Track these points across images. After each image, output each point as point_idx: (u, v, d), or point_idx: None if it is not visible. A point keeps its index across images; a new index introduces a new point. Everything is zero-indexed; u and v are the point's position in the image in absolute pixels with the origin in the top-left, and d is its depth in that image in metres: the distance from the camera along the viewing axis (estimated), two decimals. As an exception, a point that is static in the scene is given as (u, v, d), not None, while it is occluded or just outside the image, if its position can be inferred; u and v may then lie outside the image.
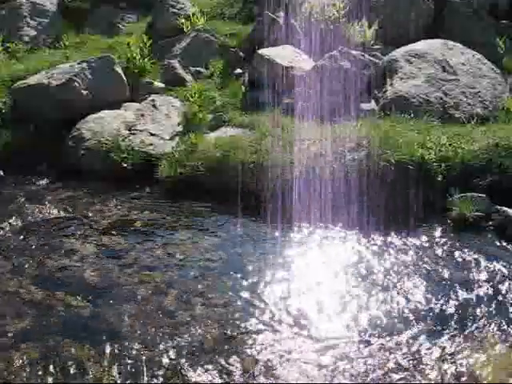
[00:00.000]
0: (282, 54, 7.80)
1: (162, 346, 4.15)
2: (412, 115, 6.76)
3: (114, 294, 4.71)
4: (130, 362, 4.02)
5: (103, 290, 4.78)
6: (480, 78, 7.50)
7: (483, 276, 4.92)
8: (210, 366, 3.99)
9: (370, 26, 8.23)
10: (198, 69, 8.50)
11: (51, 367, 3.96)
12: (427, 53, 7.60)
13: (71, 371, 3.91)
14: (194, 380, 3.89)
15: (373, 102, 7.33)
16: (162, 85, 8.13)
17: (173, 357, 4.06)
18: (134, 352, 4.10)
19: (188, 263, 5.15)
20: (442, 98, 7.12)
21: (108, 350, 4.11)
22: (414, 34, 8.36)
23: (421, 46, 7.75)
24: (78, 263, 5.13)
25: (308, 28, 8.27)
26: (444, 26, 8.80)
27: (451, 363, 4.02)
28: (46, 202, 6.23)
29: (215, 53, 8.79)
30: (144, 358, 4.05)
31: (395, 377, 3.92)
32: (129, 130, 7.11)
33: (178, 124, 7.22)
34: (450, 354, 4.10)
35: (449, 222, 5.66)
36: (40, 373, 3.91)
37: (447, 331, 4.32)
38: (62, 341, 4.19)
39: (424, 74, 7.36)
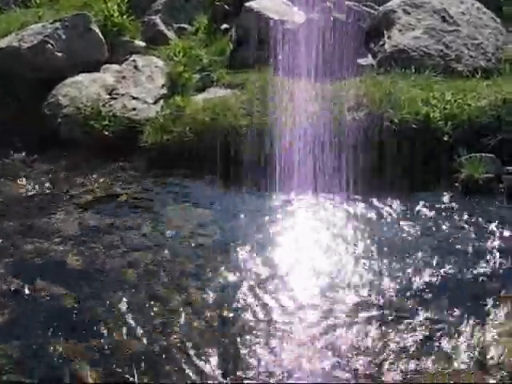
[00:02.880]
0: (271, 7, 7.28)
1: (153, 339, 3.77)
2: (413, 70, 6.35)
3: (99, 281, 4.31)
4: (120, 357, 3.64)
5: (88, 276, 4.37)
6: (481, 28, 7.10)
7: (495, 243, 4.60)
8: (206, 359, 3.63)
9: (364, -26, 7.69)
10: (181, 25, 7.97)
11: (34, 367, 3.58)
12: (425, 2, 7.16)
13: (56, 370, 3.52)
14: (189, 376, 3.52)
15: (370, 56, 6.90)
16: (143, 43, 7.61)
17: (166, 350, 3.69)
18: (123, 347, 3.72)
19: (179, 241, 4.76)
20: (442, 51, 6.72)
21: (95, 345, 3.73)
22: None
23: (419, -6, 7.27)
24: (60, 246, 4.70)
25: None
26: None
27: (462, 338, 3.71)
28: (23, 177, 5.75)
29: (199, 7, 8.22)
30: (135, 352, 3.68)
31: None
32: (109, 95, 6.59)
33: (162, 86, 6.72)
34: (461, 329, 3.79)
35: (457, 184, 5.32)
36: (22, 374, 3.52)
37: (458, 304, 3.99)
38: (45, 337, 3.79)
39: (423, 25, 6.94)
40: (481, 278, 4.25)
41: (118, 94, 6.57)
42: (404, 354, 3.63)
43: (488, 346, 3.66)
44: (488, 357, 3.58)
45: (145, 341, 3.77)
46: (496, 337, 3.72)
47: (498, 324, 3.83)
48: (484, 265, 4.38)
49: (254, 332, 3.83)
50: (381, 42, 6.92)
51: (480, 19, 7.22)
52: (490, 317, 3.90)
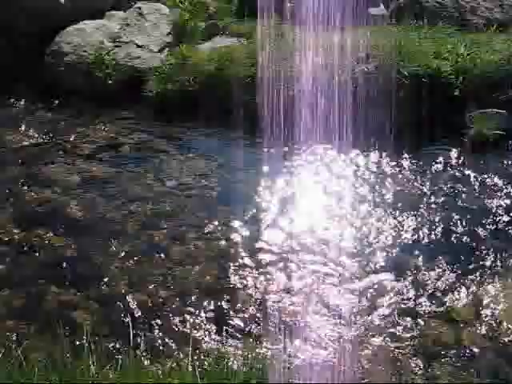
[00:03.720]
0: (281, -48, 7.01)
1: (153, 289, 3.76)
2: (426, 21, 6.14)
3: (100, 230, 4.28)
4: (119, 307, 3.64)
5: (89, 225, 4.34)
6: (499, -22, 6.82)
7: (501, 200, 4.50)
8: (206, 309, 3.62)
9: None
10: (188, -29, 7.72)
11: (35, 316, 3.58)
12: (442, -50, 6.86)
13: (57, 320, 3.49)
14: (188, 324, 3.51)
15: (382, 5, 6.68)
16: (150, -11, 7.40)
17: (166, 300, 3.68)
18: (123, 296, 3.71)
19: (181, 192, 4.70)
20: (457, 2, 6.48)
21: (95, 294, 3.73)
22: None
23: None
24: (61, 196, 4.65)
25: None
26: None
27: (467, 300, 3.67)
28: (24, 127, 5.64)
29: (208, -48, 7.96)
30: (135, 302, 3.67)
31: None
32: (113, 42, 6.44)
33: (168, 34, 6.55)
34: (468, 291, 3.74)
35: (466, 140, 5.19)
36: (23, 323, 3.53)
37: (464, 265, 3.93)
38: (45, 286, 3.79)
39: (438, -27, 6.69)
40: (485, 236, 4.19)
41: (121, 42, 6.42)
42: (404, 309, 3.61)
43: (487, 303, 3.62)
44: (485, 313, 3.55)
45: (144, 291, 3.76)
46: (496, 294, 3.68)
47: (499, 282, 3.78)
48: (489, 222, 4.30)
49: (253, 285, 3.81)
50: (394, -9, 6.71)
51: (498, -32, 6.94)
52: (492, 274, 3.85)
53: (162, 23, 6.68)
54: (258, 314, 3.59)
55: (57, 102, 6.05)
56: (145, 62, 6.20)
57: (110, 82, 6.07)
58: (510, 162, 4.94)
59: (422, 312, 3.60)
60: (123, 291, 3.76)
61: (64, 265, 3.97)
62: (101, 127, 5.64)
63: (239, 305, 3.65)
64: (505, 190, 4.62)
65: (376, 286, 3.79)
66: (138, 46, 6.37)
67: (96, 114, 5.81)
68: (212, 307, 3.64)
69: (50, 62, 6.40)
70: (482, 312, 3.57)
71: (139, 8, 6.90)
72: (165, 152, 5.26)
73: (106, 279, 3.85)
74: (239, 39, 6.33)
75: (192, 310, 3.62)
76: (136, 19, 6.75)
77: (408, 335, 3.44)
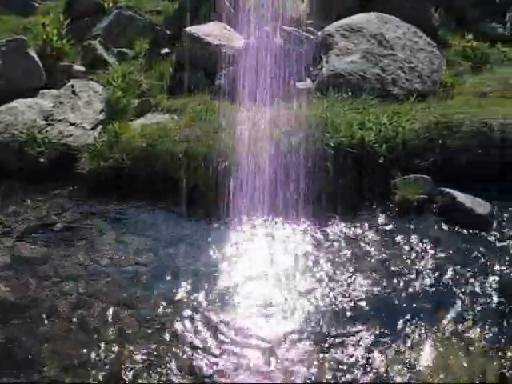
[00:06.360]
0: (211, 32, 7.32)
1: (86, 373, 3.69)
2: (350, 93, 6.45)
3: (31, 312, 4.21)
4: (50, 393, 3.57)
5: (19, 307, 4.26)
6: (417, 52, 7.27)
7: (428, 264, 4.69)
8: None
9: (302, 0, 7.83)
10: (121, 49, 7.92)
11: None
12: (363, 27, 7.28)
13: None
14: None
15: (309, 80, 6.97)
16: (82, 68, 7.53)
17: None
18: (55, 380, 3.63)
19: (115, 269, 4.70)
20: (379, 75, 6.85)
21: (26, 379, 3.63)
22: (346, 7, 8.02)
23: (356, 20, 7.41)
24: (-10, 277, 4.59)
25: (238, 3, 7.79)
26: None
27: (396, 362, 3.76)
28: (-47, 206, 5.62)
29: (140, 32, 8.21)
30: (66, 386, 3.61)
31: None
32: (46, 120, 6.49)
33: (101, 111, 6.65)
34: (395, 352, 3.85)
35: (392, 206, 5.41)
36: None
37: (391, 326, 4.05)
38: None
39: (360, 49, 7.06)
40: (414, 298, 4.32)
41: (54, 120, 6.47)
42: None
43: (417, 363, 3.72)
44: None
45: (78, 375, 3.68)
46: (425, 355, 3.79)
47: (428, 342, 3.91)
48: (417, 284, 4.45)
49: (188, 363, 3.79)
50: (319, 66, 7.01)
51: (416, 43, 7.39)
52: (421, 335, 3.97)
53: (95, 101, 6.78)
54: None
55: (-12, 180, 6.01)
56: (77, 139, 6.25)
57: (42, 160, 6.07)
58: (431, 225, 5.16)
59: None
60: (54, 375, 3.68)
61: (-8, 349, 3.88)
62: (33, 206, 5.61)
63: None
64: (426, 251, 4.81)
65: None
66: (71, 124, 6.43)
67: (28, 193, 5.79)
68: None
69: (-18, 141, 6.38)
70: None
71: (72, 86, 7.00)
72: (98, 229, 5.26)
73: (37, 363, 3.77)
74: (171, 115, 6.46)
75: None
76: (69, 97, 6.84)
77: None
